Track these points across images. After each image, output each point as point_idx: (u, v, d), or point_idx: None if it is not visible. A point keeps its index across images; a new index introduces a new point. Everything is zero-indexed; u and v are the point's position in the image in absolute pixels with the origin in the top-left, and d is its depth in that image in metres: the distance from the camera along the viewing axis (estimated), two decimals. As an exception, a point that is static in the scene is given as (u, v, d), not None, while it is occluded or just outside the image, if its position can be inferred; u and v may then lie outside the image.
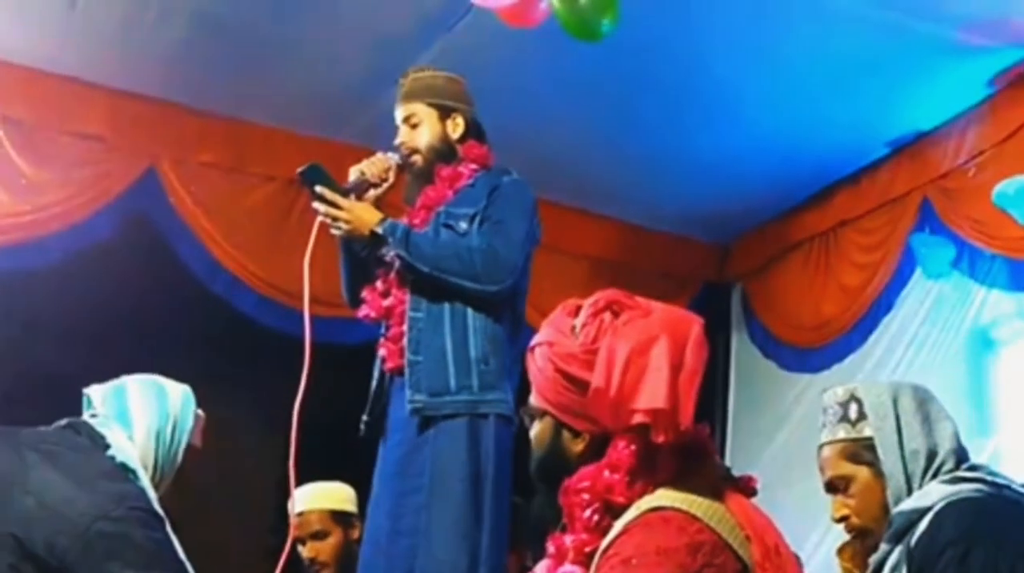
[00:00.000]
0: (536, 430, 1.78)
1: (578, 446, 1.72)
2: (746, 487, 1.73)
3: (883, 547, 1.92)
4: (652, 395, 1.60)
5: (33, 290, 4.46)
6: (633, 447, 1.66)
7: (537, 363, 1.76)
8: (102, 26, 4.33)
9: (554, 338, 1.75)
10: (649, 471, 1.65)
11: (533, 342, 1.80)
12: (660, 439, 1.62)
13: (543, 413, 1.76)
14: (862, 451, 2.00)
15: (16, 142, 4.57)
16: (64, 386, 4.55)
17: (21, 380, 4.41)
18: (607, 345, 1.66)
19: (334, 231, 2.85)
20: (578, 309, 1.77)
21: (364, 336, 2.99)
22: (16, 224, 4.54)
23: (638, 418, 1.61)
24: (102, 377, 4.62)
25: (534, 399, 1.78)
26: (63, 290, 4.50)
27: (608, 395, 1.63)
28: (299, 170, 2.85)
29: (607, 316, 1.72)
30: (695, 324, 1.70)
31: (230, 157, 4.94)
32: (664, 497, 1.61)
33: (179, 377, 4.82)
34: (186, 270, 4.84)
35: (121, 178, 4.76)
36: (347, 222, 2.81)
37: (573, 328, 1.74)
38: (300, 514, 3.42)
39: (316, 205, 2.81)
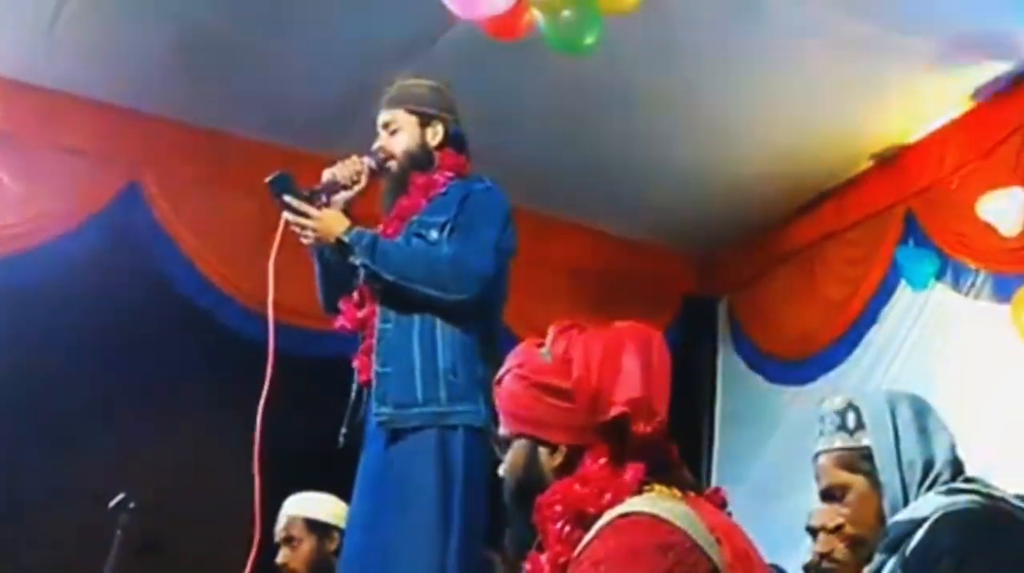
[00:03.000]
0: (509, 456, 1.80)
1: (555, 460, 1.74)
2: (714, 497, 1.75)
3: (878, 557, 1.92)
4: (628, 387, 1.70)
5: (14, 303, 4.44)
6: (603, 460, 1.70)
7: (508, 386, 1.80)
8: (85, 39, 4.32)
9: (523, 360, 1.80)
10: (619, 482, 1.69)
11: (500, 373, 1.84)
12: (640, 429, 1.69)
13: (516, 436, 1.79)
14: (859, 460, 1.99)
15: (-1, 156, 4.56)
16: (45, 399, 4.56)
17: (3, 393, 4.38)
18: (581, 349, 1.74)
19: (303, 240, 2.85)
20: (540, 343, 1.83)
21: (352, 348, 2.97)
22: (-2, 238, 4.52)
23: (617, 409, 1.68)
24: (85, 390, 4.64)
25: (505, 427, 1.82)
26: (45, 303, 4.48)
27: (591, 384, 1.70)
28: (267, 180, 2.84)
29: (574, 332, 1.79)
30: (656, 333, 1.80)
31: (214, 170, 4.93)
32: (634, 504, 1.64)
33: (162, 390, 4.86)
34: (169, 283, 4.83)
35: (104, 191, 4.76)
36: (314, 230, 2.80)
37: (541, 354, 1.80)
38: (281, 519, 3.49)
39: (285, 214, 2.81)
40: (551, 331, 1.81)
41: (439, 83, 3.08)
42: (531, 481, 1.75)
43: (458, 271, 2.73)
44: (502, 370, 1.84)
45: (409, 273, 2.74)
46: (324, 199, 2.84)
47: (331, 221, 2.80)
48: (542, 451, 1.75)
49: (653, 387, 1.71)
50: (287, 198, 2.79)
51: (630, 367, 1.71)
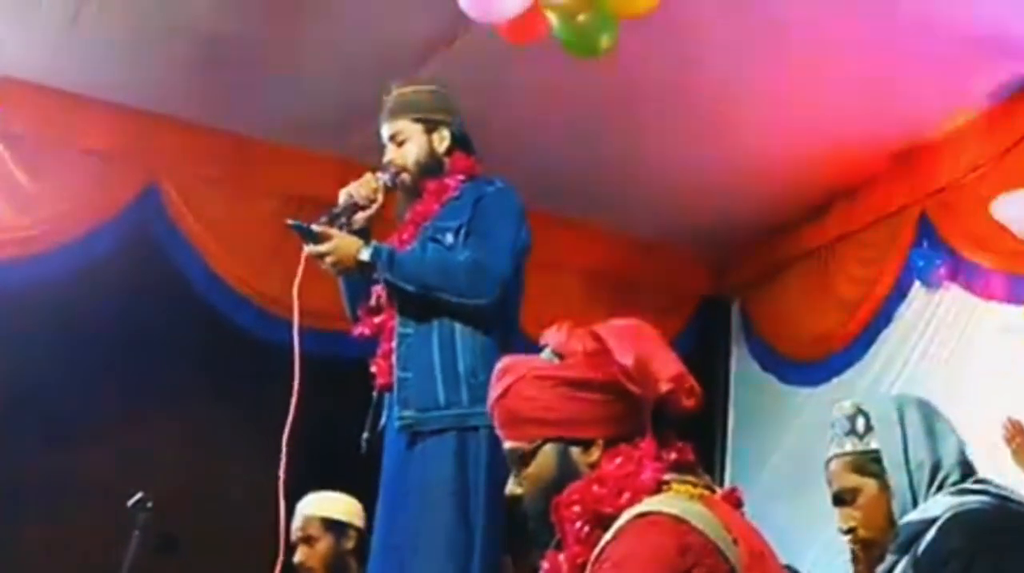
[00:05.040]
0: (533, 468, 1.77)
1: (592, 456, 1.74)
2: (731, 497, 1.76)
3: (889, 558, 1.94)
4: (666, 365, 1.77)
5: (34, 305, 4.47)
6: (619, 460, 1.71)
7: (526, 394, 1.77)
8: (104, 42, 4.35)
9: (536, 365, 1.79)
10: (637, 482, 1.70)
11: (503, 387, 1.80)
12: (684, 403, 1.76)
13: (541, 444, 1.77)
14: (869, 464, 2.02)
15: (18, 157, 4.59)
16: (63, 399, 4.59)
17: (21, 394, 4.41)
18: (612, 339, 1.76)
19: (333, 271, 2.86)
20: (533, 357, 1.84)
21: (371, 349, 2.99)
22: (17, 239, 4.55)
23: (665, 385, 1.75)
24: (102, 391, 4.67)
25: (521, 440, 1.78)
26: (64, 305, 4.50)
27: (644, 365, 1.75)
28: (290, 222, 2.83)
29: (581, 331, 1.80)
30: (646, 324, 1.86)
31: (231, 172, 4.95)
32: (652, 503, 1.65)
33: (179, 392, 4.89)
34: (187, 285, 4.85)
35: (122, 193, 4.78)
36: (333, 263, 2.81)
37: (547, 357, 1.80)
38: (298, 518, 3.50)
39: (306, 250, 2.82)
40: (557, 334, 1.81)
41: (437, 86, 3.09)
42: (567, 484, 1.73)
43: (477, 276, 2.75)
44: (502, 385, 1.80)
45: (429, 282, 2.76)
46: (344, 221, 2.86)
47: (344, 248, 2.79)
48: (574, 451, 1.74)
49: (682, 365, 1.78)
50: (307, 248, 2.80)
51: (658, 349, 1.78)
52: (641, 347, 1.76)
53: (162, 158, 4.84)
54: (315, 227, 2.80)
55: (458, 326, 2.77)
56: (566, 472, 1.74)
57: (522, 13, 3.36)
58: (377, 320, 2.89)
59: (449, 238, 2.83)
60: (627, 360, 1.72)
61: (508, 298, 2.84)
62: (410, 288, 2.76)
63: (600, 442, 1.73)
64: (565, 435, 1.75)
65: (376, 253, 2.78)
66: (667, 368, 1.76)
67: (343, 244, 2.80)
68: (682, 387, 1.76)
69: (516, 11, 3.36)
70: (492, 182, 2.94)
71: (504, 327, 2.84)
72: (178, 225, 4.84)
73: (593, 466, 1.73)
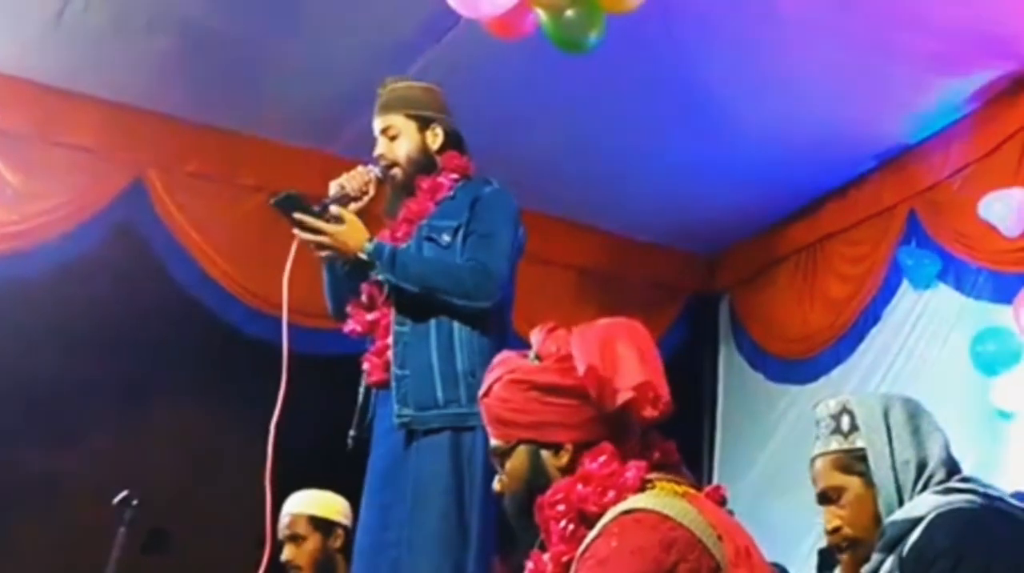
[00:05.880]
0: (509, 466, 1.80)
1: (561, 460, 1.76)
2: (714, 494, 1.76)
3: (875, 557, 1.94)
4: (630, 374, 1.72)
5: (19, 300, 4.45)
6: (603, 458, 1.73)
7: (500, 395, 1.80)
8: (89, 37, 4.33)
9: (512, 366, 1.82)
10: (622, 480, 1.71)
11: (486, 385, 1.84)
12: (648, 413, 1.72)
13: (516, 444, 1.80)
14: (854, 462, 2.01)
15: (3, 152, 4.56)
16: (48, 396, 4.57)
17: (8, 391, 4.39)
18: (578, 345, 1.75)
19: (319, 254, 2.83)
20: (524, 355, 1.85)
21: (358, 347, 2.98)
22: (3, 234, 4.53)
23: (624, 395, 1.71)
24: (88, 387, 4.65)
25: (500, 438, 1.82)
26: (49, 300, 4.49)
27: (599, 374, 1.71)
28: (272, 201, 2.80)
29: (561, 332, 1.82)
30: (636, 323, 1.83)
31: (217, 168, 4.94)
32: (637, 501, 1.66)
33: (165, 388, 4.87)
34: (173, 281, 4.83)
35: (108, 189, 4.76)
36: (331, 247, 2.79)
37: (527, 359, 1.82)
38: (285, 517, 3.51)
39: (297, 232, 2.78)
40: (537, 335, 1.83)
41: (431, 84, 3.08)
42: (540, 486, 1.75)
43: (481, 279, 2.75)
44: (485, 384, 1.84)
45: (432, 284, 2.75)
46: (335, 212, 2.83)
47: (347, 236, 2.77)
48: (544, 454, 1.77)
49: (652, 373, 1.74)
50: (298, 215, 2.76)
51: (627, 356, 1.74)
52: (608, 352, 1.73)
53: (148, 153, 4.82)
54: (333, 208, 2.78)
55: (456, 325, 2.76)
56: (537, 474, 1.77)
57: (510, 8, 3.35)
58: (370, 317, 2.88)
59: (446, 238, 2.82)
60: (589, 366, 1.71)
61: (505, 299, 2.85)
62: (413, 289, 2.75)
63: (569, 447, 1.75)
64: (535, 438, 1.77)
65: (378, 251, 2.77)
66: (631, 376, 1.72)
67: (351, 232, 2.77)
68: (645, 397, 1.72)
69: (504, 6, 3.36)
70: (488, 182, 2.94)
71: (500, 326, 2.84)
72: (164, 220, 4.82)
73: (563, 470, 1.75)
